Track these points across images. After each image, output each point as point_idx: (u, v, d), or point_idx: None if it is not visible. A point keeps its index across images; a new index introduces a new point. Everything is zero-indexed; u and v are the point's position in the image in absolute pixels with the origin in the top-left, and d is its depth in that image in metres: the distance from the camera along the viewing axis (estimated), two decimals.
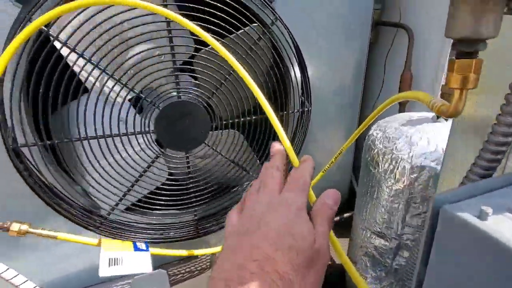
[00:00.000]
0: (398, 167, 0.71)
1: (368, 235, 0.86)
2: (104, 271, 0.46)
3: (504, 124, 0.33)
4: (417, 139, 0.72)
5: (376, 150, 0.77)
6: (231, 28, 0.79)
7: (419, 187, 0.70)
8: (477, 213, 0.25)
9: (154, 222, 0.96)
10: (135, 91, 0.76)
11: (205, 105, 0.85)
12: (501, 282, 0.22)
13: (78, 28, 0.66)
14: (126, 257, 0.52)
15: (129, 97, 0.78)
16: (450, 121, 0.75)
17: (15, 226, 0.62)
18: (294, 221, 0.30)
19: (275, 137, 0.48)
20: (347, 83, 1.20)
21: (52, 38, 0.67)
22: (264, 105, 0.57)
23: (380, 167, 0.76)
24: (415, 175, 0.69)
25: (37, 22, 0.51)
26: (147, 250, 0.66)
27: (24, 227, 0.63)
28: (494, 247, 0.22)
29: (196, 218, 1.03)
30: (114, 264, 0.49)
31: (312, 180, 0.35)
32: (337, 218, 1.29)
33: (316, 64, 1.05)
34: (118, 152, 0.81)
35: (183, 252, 0.87)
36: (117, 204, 0.87)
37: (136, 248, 0.63)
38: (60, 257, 0.93)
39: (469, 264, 0.25)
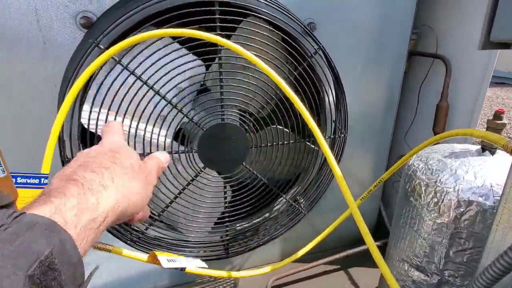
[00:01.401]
0: (443, 200, 0.70)
1: (406, 267, 0.83)
2: (165, 265, 0.51)
3: None
4: (463, 172, 0.71)
5: (417, 181, 0.77)
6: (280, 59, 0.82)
7: (466, 222, 0.68)
8: None
9: (191, 239, 0.97)
10: (188, 116, 0.80)
11: (246, 128, 0.87)
12: None
13: (146, 58, 0.71)
14: (180, 259, 0.55)
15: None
16: (498, 155, 0.74)
17: None
18: (130, 152, 0.38)
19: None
20: (380, 111, 1.20)
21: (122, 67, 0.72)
22: (315, 132, 0.59)
23: (422, 198, 0.75)
24: (461, 209, 0.68)
25: (111, 51, 0.56)
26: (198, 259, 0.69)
27: None
28: None
29: (227, 238, 1.03)
30: (172, 261, 0.53)
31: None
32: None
33: (350, 91, 1.06)
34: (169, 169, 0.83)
35: (223, 273, 0.87)
36: (155, 220, 0.89)
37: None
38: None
39: None
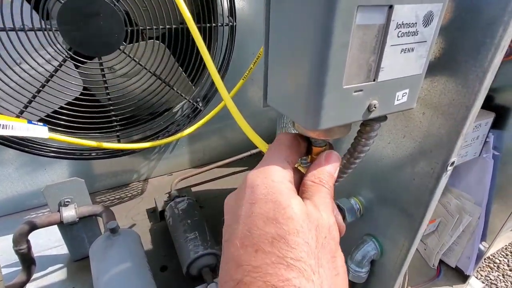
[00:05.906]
0: None
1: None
2: None
3: None
4: None
5: None
6: None
7: None
8: None
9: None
10: None
11: (117, 4, 0.79)
12: None
13: None
14: (18, 125, 0.48)
15: None
16: None
17: None
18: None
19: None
20: None
21: None
22: (183, 11, 0.54)
23: None
24: None
25: None
26: (44, 125, 0.62)
27: None
28: None
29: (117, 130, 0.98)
30: (3, 128, 0.46)
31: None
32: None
33: None
34: (16, 49, 0.73)
35: (92, 143, 0.84)
36: (22, 112, 0.80)
37: (30, 122, 0.58)
38: None
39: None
